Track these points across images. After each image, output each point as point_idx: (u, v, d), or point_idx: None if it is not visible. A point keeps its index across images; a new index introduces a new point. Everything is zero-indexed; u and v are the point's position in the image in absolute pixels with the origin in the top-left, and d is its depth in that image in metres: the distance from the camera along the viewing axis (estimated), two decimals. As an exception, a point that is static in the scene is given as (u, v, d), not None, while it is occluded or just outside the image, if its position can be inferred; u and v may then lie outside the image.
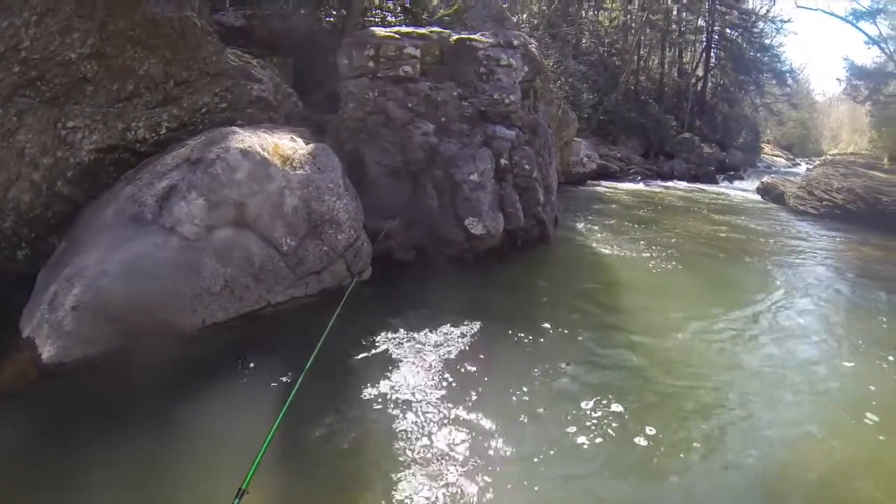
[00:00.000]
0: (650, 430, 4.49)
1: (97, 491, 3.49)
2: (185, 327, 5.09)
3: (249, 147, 5.84)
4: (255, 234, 5.65)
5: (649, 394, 5.11)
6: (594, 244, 10.17)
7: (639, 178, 23.47)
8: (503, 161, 8.02)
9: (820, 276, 9.62)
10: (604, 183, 20.44)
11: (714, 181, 25.92)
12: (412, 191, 7.40)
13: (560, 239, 9.91)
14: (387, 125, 7.62)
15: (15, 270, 5.59)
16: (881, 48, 27.40)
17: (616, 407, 4.79)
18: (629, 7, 33.58)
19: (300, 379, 3.29)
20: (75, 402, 4.27)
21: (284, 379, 4.64)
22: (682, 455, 4.28)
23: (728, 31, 36.55)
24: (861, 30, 28.36)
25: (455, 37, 8.72)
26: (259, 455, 2.75)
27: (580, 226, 11.77)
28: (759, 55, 36.99)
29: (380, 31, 8.30)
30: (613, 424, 4.56)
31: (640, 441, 4.35)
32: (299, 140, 6.70)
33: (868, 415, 5.01)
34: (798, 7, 43.14)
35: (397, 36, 8.15)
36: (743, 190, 23.27)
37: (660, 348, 6.03)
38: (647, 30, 33.96)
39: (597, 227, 11.75)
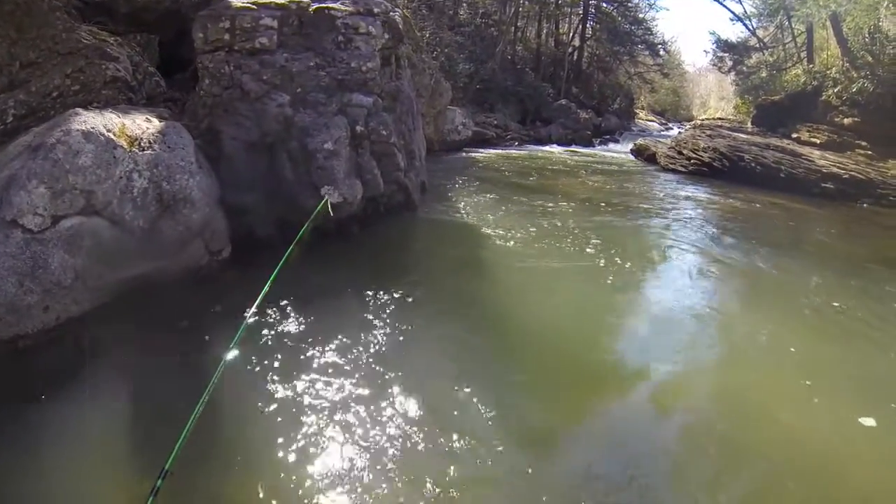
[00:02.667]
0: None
1: None
2: (39, 326, 4.87)
3: (93, 128, 5.53)
4: (105, 219, 5.43)
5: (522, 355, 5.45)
6: (463, 208, 10.46)
7: (516, 143, 24.08)
8: (359, 128, 8.05)
9: (696, 228, 10.74)
10: (480, 150, 20.89)
11: (590, 144, 27.02)
12: (269, 164, 7.32)
13: (428, 204, 10.11)
14: (242, 99, 7.48)
15: None
16: (744, 24, 30.56)
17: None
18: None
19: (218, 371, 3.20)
20: None
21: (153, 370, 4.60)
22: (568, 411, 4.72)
23: (604, 4, 38.14)
24: (727, 7, 30.98)
25: (315, 6, 8.58)
26: (181, 437, 2.72)
27: (450, 191, 12.03)
28: (633, 28, 39.14)
29: (236, 1, 8.04)
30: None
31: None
32: (155, 120, 6.45)
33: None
34: (671, -17, 46.00)
35: (254, 7, 7.97)
36: (617, 152, 24.41)
37: (526, 314, 6.32)
38: (525, 1, 34.58)
39: (466, 192, 12.09)
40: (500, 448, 4.02)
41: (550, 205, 11.18)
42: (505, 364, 5.17)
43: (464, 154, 19.56)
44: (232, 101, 7.50)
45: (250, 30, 7.83)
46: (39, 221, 5.00)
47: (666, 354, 5.62)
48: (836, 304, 7.05)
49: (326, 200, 6.10)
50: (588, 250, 8.33)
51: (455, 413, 4.38)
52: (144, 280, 5.68)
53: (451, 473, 3.73)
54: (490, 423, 4.31)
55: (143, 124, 6.22)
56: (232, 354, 3.54)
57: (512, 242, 8.49)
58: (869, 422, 4.61)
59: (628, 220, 10.81)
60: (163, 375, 4.55)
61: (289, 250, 4.67)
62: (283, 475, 3.62)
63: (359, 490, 3.53)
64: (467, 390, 4.64)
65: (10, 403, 4.13)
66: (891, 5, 19.69)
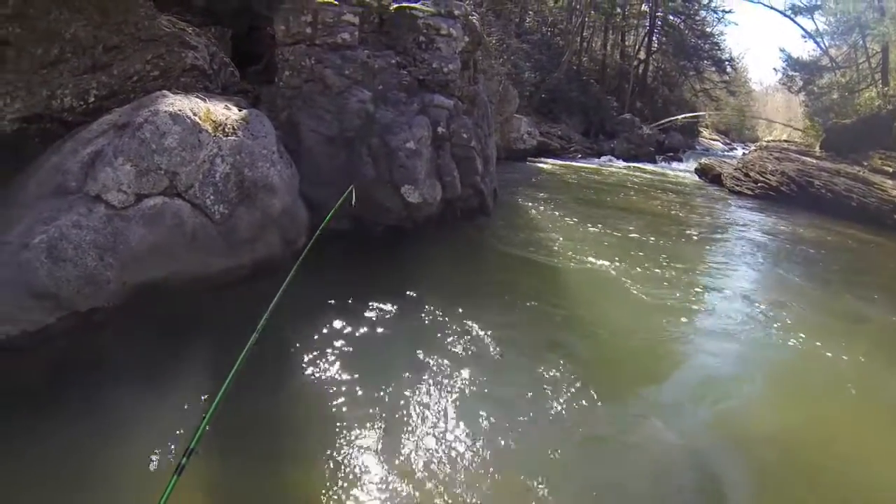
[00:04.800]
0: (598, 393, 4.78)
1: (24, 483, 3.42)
2: (115, 301, 4.93)
3: (180, 111, 5.62)
4: (187, 201, 5.50)
5: (595, 361, 5.44)
6: (533, 217, 10.44)
7: (579, 155, 23.87)
8: (440, 129, 8.05)
9: (758, 253, 10.46)
10: (544, 159, 20.77)
11: (653, 161, 26.51)
12: (348, 158, 7.35)
13: (499, 211, 10.04)
14: (323, 93, 7.55)
15: None
16: (816, 43, 29.32)
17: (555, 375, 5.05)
18: (574, -11, 33.94)
19: (247, 348, 3.18)
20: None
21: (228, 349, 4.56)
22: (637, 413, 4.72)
23: (671, 17, 37.37)
24: (798, 24, 29.87)
25: (395, 5, 8.68)
26: (207, 416, 2.71)
27: (520, 199, 11.97)
28: (700, 42, 38.30)
29: None
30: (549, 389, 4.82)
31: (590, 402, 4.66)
32: (234, 108, 6.51)
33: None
34: (740, -1, 44.96)
35: (336, 2, 8.03)
36: (681, 170, 23.89)
37: (598, 322, 6.26)
38: (592, 12, 34.32)
39: (535, 202, 11.98)
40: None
41: (619, 222, 10.98)
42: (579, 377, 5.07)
43: (528, 163, 19.48)
44: (312, 94, 7.58)
45: (332, 24, 7.91)
46: (123, 198, 5.09)
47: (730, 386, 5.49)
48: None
49: (352, 191, 5.94)
50: (656, 270, 8.14)
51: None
52: (222, 266, 5.75)
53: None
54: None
55: (224, 110, 6.29)
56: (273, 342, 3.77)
57: (575, 254, 8.40)
58: None
59: (695, 241, 10.59)
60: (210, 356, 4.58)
61: (310, 242, 4.66)
62: (302, 466, 3.71)
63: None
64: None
65: (76, 371, 4.29)
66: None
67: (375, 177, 7.37)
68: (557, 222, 10.12)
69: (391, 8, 8.60)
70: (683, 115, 33.79)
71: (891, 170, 17.85)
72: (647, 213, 12.58)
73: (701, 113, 39.66)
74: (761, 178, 18.03)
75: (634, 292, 7.06)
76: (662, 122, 31.46)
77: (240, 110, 6.50)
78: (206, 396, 4.07)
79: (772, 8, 31.80)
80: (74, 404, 3.95)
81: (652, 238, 10.03)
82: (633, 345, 5.89)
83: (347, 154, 7.38)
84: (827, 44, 29.66)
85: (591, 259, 8.18)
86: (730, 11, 45.48)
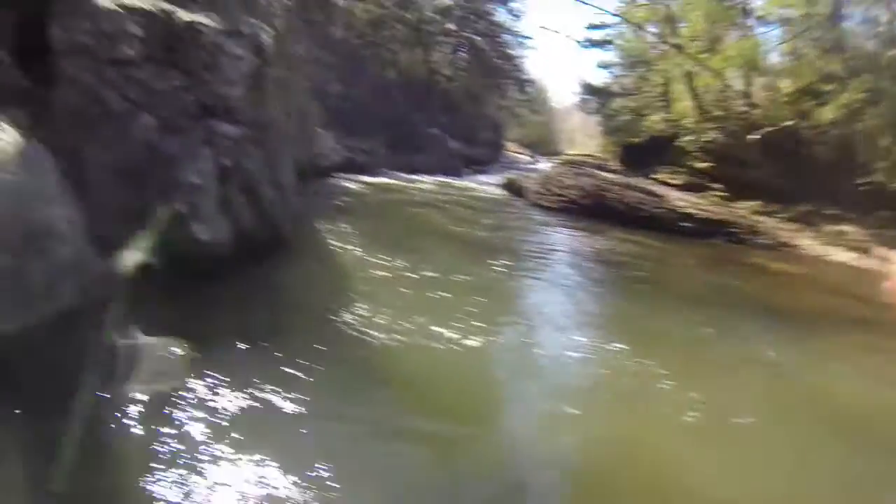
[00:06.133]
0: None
1: None
2: None
3: None
4: None
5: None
6: (336, 243, 10.48)
7: (385, 170, 24.18)
8: (225, 161, 7.72)
9: (562, 265, 11.90)
10: (350, 176, 20.79)
11: (460, 175, 27.55)
12: (138, 194, 6.95)
13: (301, 238, 10.07)
14: (108, 117, 7.06)
15: None
16: (609, 72, 33.31)
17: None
18: (385, 2, 34.50)
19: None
20: None
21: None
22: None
23: (475, 38, 39.59)
24: (594, 53, 34.84)
25: (184, 18, 7.91)
26: None
27: (323, 223, 12.01)
28: (503, 63, 41.00)
29: (101, 1, 7.27)
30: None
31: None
32: (9, 130, 5.82)
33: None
34: (541, 28, 50.95)
35: (121, 10, 7.32)
36: (487, 184, 25.00)
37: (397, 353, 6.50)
38: (400, 26, 35.09)
39: (339, 224, 12.08)
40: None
41: (424, 241, 11.38)
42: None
43: (334, 179, 19.51)
44: (96, 118, 7.04)
45: (113, 35, 7.22)
46: None
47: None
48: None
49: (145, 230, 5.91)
50: (455, 290, 8.60)
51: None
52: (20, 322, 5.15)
53: None
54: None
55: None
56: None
57: (380, 282, 8.71)
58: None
59: (497, 257, 11.14)
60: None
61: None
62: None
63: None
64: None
65: None
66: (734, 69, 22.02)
67: (168, 213, 6.90)
68: (360, 250, 10.12)
69: (178, 22, 7.83)
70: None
71: (678, 182, 20.73)
72: (450, 231, 13.20)
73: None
74: (561, 193, 19.53)
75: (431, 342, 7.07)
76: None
77: (17, 137, 5.81)
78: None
79: (570, 37, 36.57)
80: None
81: (454, 252, 10.98)
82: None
83: (136, 189, 7.00)
84: (618, 73, 33.78)
85: (393, 277, 8.72)
86: (529, 38, 49.95)
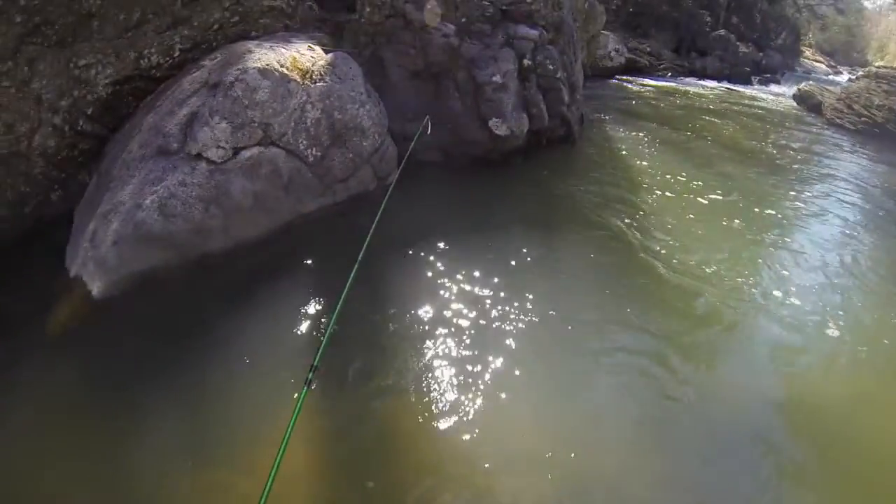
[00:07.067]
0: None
1: (172, 407, 3.96)
2: (222, 246, 5.37)
3: (267, 65, 5.87)
4: (281, 149, 5.78)
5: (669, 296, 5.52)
6: (620, 144, 10.27)
7: (668, 74, 23.02)
8: (526, 61, 8.00)
9: (852, 198, 9.47)
10: (632, 78, 20.05)
11: (748, 83, 25.29)
12: (435, 93, 7.48)
13: (586, 137, 9.96)
14: (406, 28, 7.56)
15: (51, 213, 5.79)
16: None
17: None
18: None
19: (353, 272, 3.61)
20: (131, 331, 4.56)
21: (332, 279, 4.88)
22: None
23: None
24: None
25: None
26: (326, 337, 3.10)
27: (606, 125, 11.73)
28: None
29: None
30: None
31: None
32: (318, 49, 6.72)
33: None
34: None
35: None
36: (778, 94, 22.49)
37: (679, 255, 6.27)
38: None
39: (623, 126, 11.77)
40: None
41: (708, 149, 10.58)
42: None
43: (615, 81, 18.94)
44: (395, 29, 7.61)
45: None
46: (222, 154, 5.42)
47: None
48: None
49: (427, 121, 6.35)
50: (752, 209, 7.89)
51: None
52: (318, 205, 6.13)
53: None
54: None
55: (309, 54, 6.48)
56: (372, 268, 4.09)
57: (664, 189, 8.23)
58: None
59: (785, 177, 9.97)
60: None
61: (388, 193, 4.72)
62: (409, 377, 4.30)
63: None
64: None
65: (195, 310, 4.77)
66: None
67: (462, 110, 7.48)
68: (645, 151, 9.89)
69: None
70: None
71: None
72: (739, 147, 11.93)
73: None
74: (865, 113, 16.66)
75: (726, 230, 6.92)
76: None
77: (325, 51, 6.69)
78: (323, 319, 4.69)
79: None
80: (203, 337, 4.47)
81: (747, 175, 9.62)
82: (719, 278, 5.92)
83: (434, 89, 7.50)
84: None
85: (682, 194, 8.07)
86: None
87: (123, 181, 5.21)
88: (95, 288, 4.77)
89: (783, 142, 13.19)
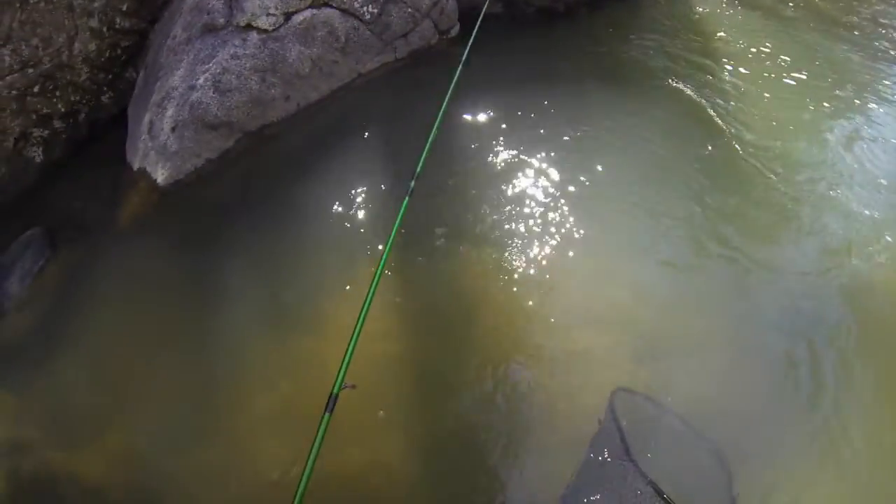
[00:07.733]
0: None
1: (252, 277, 4.08)
2: (282, 115, 5.20)
3: None
4: (335, 8, 5.39)
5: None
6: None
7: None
8: None
9: None
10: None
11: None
12: None
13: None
14: None
15: (105, 116, 5.63)
16: None
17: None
18: None
19: (436, 126, 3.44)
20: (202, 212, 4.59)
21: (402, 136, 4.90)
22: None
23: None
24: None
25: None
26: (427, 146, 3.22)
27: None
28: None
29: None
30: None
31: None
32: None
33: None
34: None
35: None
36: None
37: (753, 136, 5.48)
38: None
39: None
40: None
41: (797, 18, 8.56)
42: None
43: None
44: None
45: None
46: (273, 21, 5.10)
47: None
48: None
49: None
50: (831, 89, 6.46)
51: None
52: (378, 62, 5.83)
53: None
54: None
55: None
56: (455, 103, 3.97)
57: (736, 57, 6.85)
58: None
59: (884, 57, 8.06)
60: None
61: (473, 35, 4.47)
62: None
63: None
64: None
65: (263, 182, 4.78)
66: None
67: None
68: (725, 13, 8.27)
69: None
70: None
71: None
72: (833, 18, 9.58)
73: None
74: None
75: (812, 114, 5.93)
76: None
77: None
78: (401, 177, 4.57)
79: None
80: (276, 206, 4.53)
81: (839, 52, 7.39)
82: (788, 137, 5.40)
83: None
84: None
85: (762, 70, 6.68)
86: None
87: (172, 67, 5.02)
88: (160, 176, 4.74)
89: (883, 20, 10.93)
